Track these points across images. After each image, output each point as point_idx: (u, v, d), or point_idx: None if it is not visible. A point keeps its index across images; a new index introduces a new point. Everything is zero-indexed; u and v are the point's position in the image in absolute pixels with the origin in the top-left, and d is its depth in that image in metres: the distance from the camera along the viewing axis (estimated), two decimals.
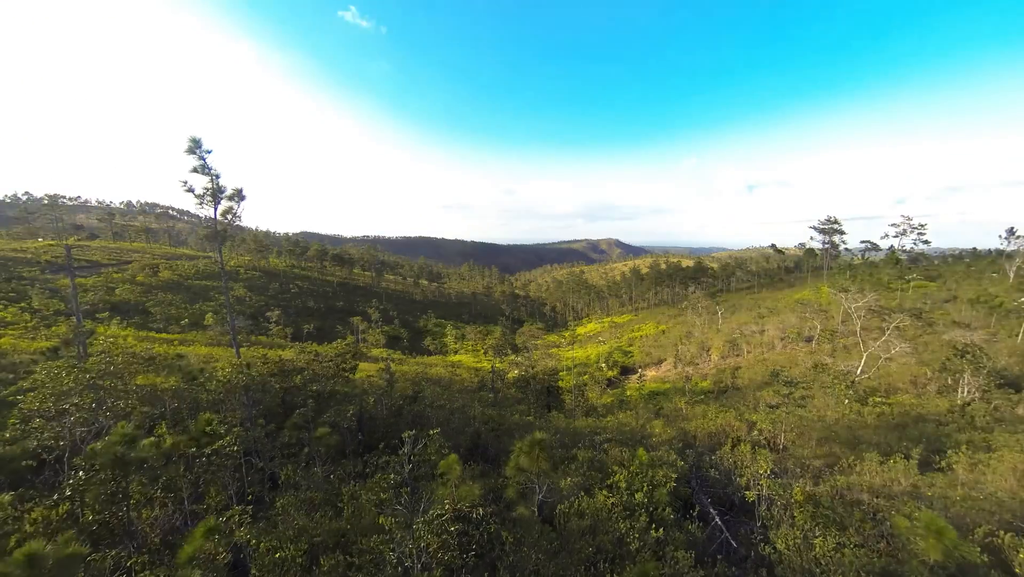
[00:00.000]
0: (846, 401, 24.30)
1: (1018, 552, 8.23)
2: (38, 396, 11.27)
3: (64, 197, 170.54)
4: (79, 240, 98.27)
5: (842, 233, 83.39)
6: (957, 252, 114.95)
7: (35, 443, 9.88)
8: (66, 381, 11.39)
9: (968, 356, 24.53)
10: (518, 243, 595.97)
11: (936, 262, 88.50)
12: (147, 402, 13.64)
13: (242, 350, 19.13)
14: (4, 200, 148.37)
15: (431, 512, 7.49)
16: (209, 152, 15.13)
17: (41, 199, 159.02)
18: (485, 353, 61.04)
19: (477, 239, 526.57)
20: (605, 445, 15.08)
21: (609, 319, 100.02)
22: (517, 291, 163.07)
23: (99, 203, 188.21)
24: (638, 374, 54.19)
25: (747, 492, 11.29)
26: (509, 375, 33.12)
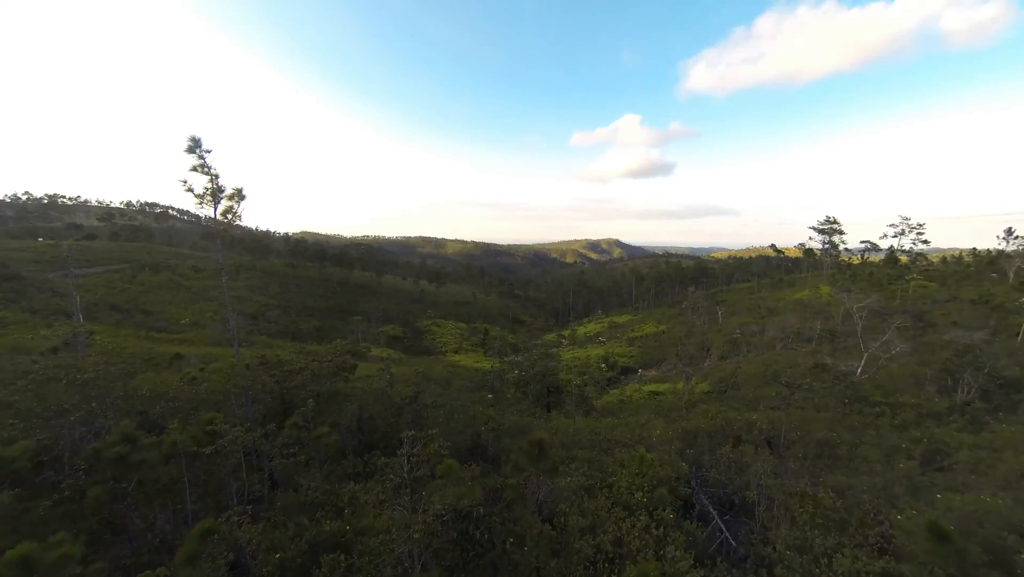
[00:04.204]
0: (846, 401, 24.31)
1: (1020, 552, 8.22)
2: (37, 396, 11.26)
3: (64, 197, 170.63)
4: (79, 240, 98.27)
5: (842, 233, 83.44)
6: (957, 252, 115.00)
7: (34, 443, 9.87)
8: (65, 381, 11.37)
9: (968, 356, 24.55)
10: (519, 243, 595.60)
11: (936, 262, 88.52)
12: (147, 402, 13.63)
13: (242, 350, 19.12)
14: (4, 200, 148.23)
15: (430, 512, 7.48)
16: (209, 151, 15.08)
17: (41, 199, 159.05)
18: (485, 353, 61.04)
19: (478, 239, 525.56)
20: (605, 445, 15.07)
21: (609, 319, 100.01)
22: (517, 291, 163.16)
23: (99, 203, 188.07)
24: (638, 374, 54.25)
25: (747, 492, 11.28)
26: (509, 375, 33.09)
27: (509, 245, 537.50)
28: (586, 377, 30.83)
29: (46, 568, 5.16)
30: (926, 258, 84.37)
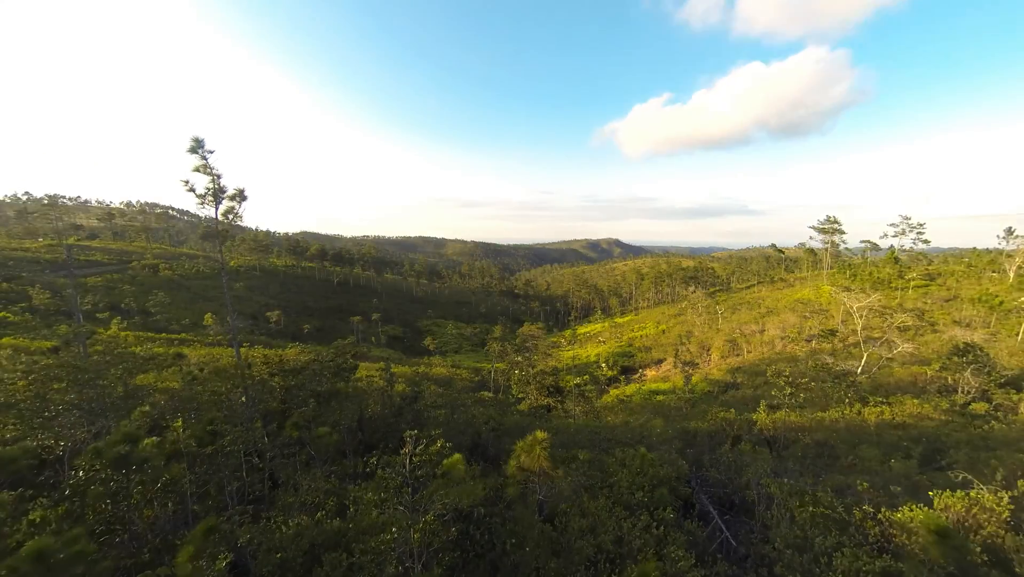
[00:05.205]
0: (846, 400, 24.29)
1: (1019, 552, 8.23)
2: (38, 395, 11.27)
3: (64, 197, 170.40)
4: (79, 240, 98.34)
5: (842, 233, 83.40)
6: (957, 251, 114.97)
7: (35, 443, 9.88)
8: (66, 381, 11.40)
9: (968, 355, 24.54)
10: (519, 243, 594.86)
11: (936, 261, 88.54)
12: (147, 402, 13.65)
13: (242, 350, 19.13)
14: (4, 200, 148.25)
15: (432, 512, 7.49)
16: (211, 152, 15.09)
17: (41, 199, 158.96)
18: (485, 353, 61.06)
19: (478, 239, 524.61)
20: (605, 445, 15.09)
21: (609, 319, 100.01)
22: (517, 291, 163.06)
23: (99, 203, 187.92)
24: (638, 374, 54.22)
25: (747, 492, 11.29)
26: (510, 376, 33.12)
27: (509, 245, 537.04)
28: (586, 377, 30.83)
29: (60, 564, 5.18)
30: (926, 257, 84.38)
